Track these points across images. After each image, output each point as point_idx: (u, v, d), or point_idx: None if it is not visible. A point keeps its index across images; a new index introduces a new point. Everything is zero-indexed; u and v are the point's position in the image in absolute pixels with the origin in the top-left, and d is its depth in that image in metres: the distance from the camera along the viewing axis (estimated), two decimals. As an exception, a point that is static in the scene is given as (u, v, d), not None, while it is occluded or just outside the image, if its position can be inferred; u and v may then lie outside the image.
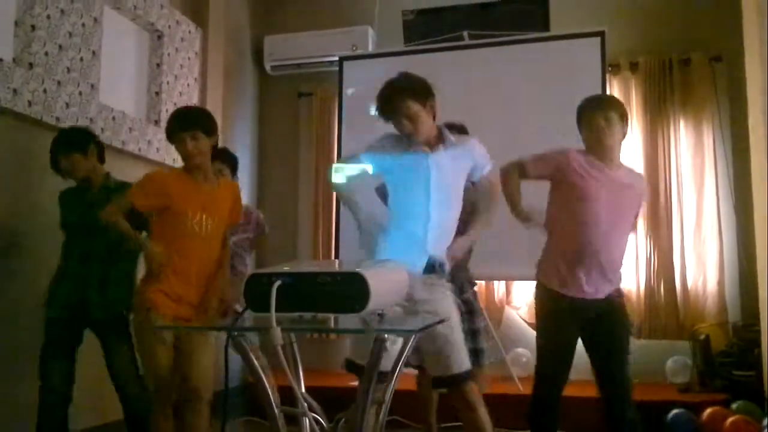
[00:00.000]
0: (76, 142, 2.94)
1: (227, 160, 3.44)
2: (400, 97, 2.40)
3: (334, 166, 2.62)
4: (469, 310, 3.08)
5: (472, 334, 3.07)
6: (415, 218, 2.45)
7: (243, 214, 3.15)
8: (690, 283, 4.62)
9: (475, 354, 3.03)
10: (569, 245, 2.65)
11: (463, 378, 2.40)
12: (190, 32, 4.60)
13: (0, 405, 3.06)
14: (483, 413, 2.43)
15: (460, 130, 3.07)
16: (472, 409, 2.42)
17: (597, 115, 2.61)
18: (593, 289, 2.62)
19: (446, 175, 2.45)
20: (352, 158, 2.57)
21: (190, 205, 2.66)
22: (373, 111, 2.47)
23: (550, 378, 2.66)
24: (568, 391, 2.66)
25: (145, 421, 2.75)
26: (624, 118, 2.65)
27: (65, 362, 2.88)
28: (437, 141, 2.47)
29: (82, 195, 2.96)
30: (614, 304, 2.66)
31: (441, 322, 2.20)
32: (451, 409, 2.53)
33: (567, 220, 2.67)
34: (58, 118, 3.37)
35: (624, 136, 2.68)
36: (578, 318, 2.64)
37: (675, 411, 3.63)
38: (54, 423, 2.85)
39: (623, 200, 2.65)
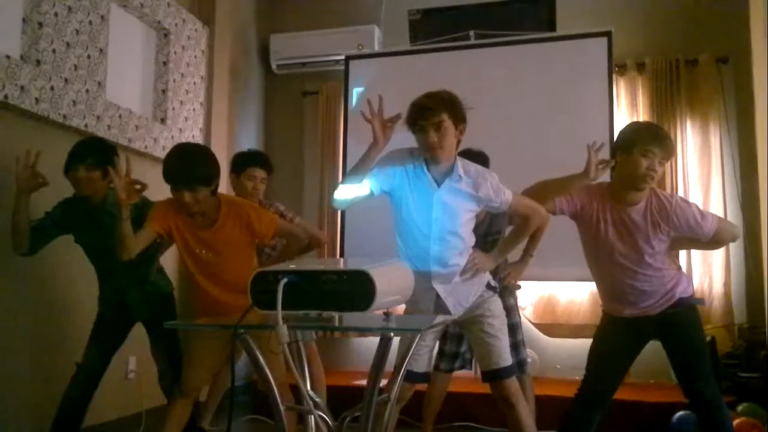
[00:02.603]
0: (105, 161, 2.82)
1: (264, 164, 3.53)
2: (440, 107, 2.35)
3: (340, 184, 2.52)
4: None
5: (514, 346, 3.14)
6: (417, 245, 2.48)
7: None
8: (696, 285, 4.59)
9: (519, 365, 3.15)
10: (596, 278, 2.75)
11: (503, 373, 2.50)
12: (196, 30, 4.61)
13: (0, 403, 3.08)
14: (522, 409, 2.52)
15: (478, 157, 3.06)
16: (509, 405, 2.51)
17: (652, 154, 2.49)
18: (637, 309, 2.63)
19: (449, 212, 2.44)
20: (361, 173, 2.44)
21: (190, 246, 2.66)
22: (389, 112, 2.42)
23: (592, 381, 2.72)
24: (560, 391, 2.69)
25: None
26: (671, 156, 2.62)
27: (102, 349, 3.00)
28: (448, 173, 2.43)
29: (88, 215, 2.92)
30: (675, 311, 2.61)
31: (448, 321, 2.22)
32: (452, 410, 2.55)
33: (587, 257, 2.74)
34: (65, 116, 3.37)
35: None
36: (631, 332, 2.66)
37: (680, 413, 3.61)
38: (77, 395, 2.93)
39: (636, 237, 2.57)
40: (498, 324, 2.53)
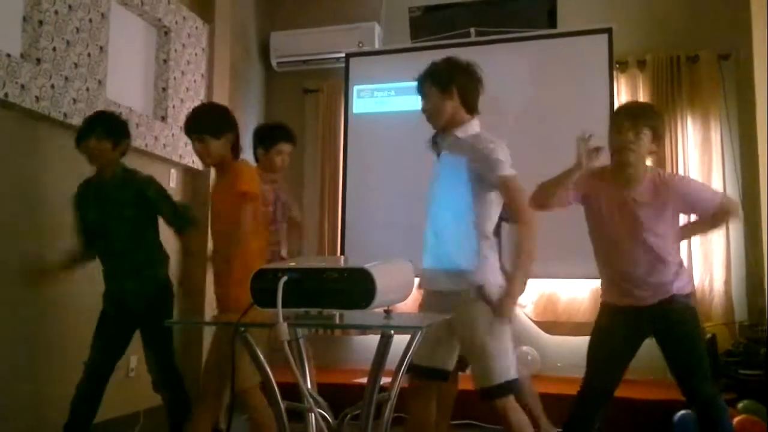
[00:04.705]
0: (114, 132, 2.94)
1: (293, 139, 3.51)
2: (424, 78, 2.56)
3: None
4: None
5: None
6: (428, 221, 2.52)
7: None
8: (696, 282, 4.58)
9: None
10: (599, 263, 2.74)
11: (496, 391, 2.37)
12: (196, 28, 4.60)
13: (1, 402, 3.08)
14: (515, 422, 2.38)
15: None
16: (504, 420, 2.39)
17: (624, 128, 2.56)
18: (636, 299, 2.63)
19: (446, 180, 2.45)
20: None
21: (212, 207, 2.75)
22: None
23: (593, 378, 2.71)
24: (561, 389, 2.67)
25: (174, 415, 2.94)
26: (657, 130, 2.59)
27: (105, 347, 2.98)
28: (448, 141, 2.47)
29: (97, 192, 2.96)
30: (670, 307, 2.61)
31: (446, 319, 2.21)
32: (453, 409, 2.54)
33: (593, 243, 2.74)
34: (65, 114, 3.37)
35: (654, 150, 2.64)
36: (628, 326, 2.65)
37: (681, 412, 3.60)
38: (84, 394, 2.91)
39: (640, 218, 2.58)
40: (485, 334, 2.43)
